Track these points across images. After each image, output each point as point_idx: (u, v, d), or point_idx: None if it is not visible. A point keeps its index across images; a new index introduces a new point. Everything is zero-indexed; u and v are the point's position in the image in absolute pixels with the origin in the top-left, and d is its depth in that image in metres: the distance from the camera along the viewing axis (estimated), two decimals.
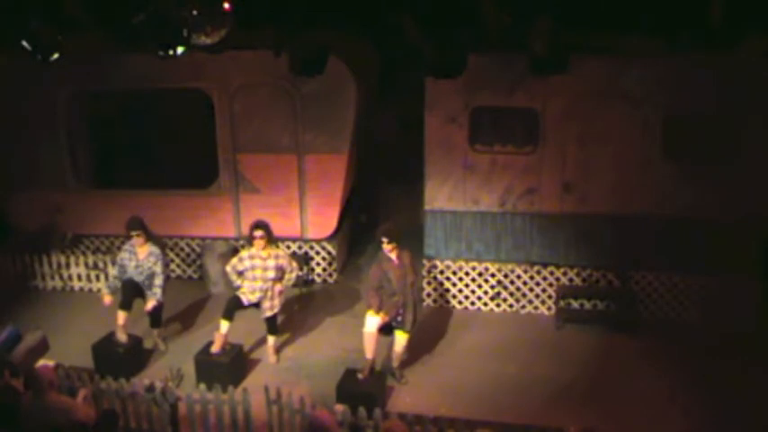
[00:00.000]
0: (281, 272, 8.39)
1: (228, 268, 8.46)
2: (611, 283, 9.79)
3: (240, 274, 8.37)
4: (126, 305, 8.54)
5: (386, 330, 8.10)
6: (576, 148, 9.36)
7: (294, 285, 9.14)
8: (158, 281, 8.59)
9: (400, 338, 8.12)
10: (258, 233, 8.28)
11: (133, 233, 8.57)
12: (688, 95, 8.86)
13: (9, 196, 11.13)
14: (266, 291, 8.35)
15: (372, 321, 7.92)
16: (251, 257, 8.34)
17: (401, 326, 8.03)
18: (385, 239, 7.85)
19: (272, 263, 8.32)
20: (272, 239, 8.43)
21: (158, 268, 8.58)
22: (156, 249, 8.67)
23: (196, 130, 11.38)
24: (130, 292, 8.62)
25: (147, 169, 11.93)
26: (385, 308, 7.90)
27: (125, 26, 5.92)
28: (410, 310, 7.96)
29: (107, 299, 8.78)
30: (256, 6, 6.43)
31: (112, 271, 9.17)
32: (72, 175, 11.00)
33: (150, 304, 8.59)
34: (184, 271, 11.21)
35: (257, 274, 8.32)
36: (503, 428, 7.02)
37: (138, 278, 8.62)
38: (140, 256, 8.60)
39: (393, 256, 7.90)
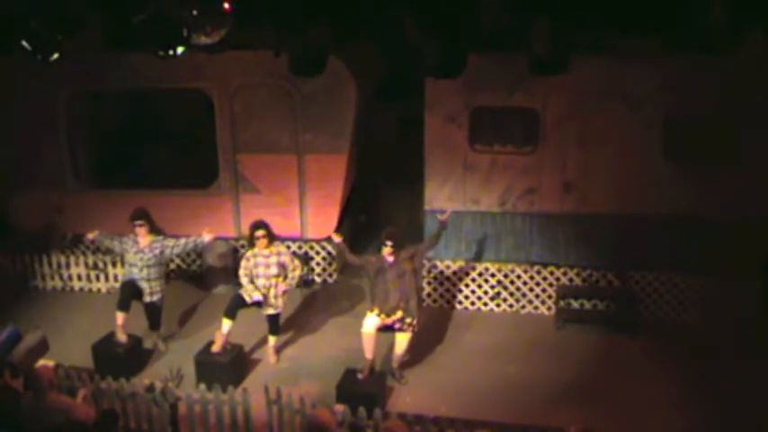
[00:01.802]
0: (283, 269, 8.41)
1: (242, 272, 8.44)
2: (611, 283, 9.79)
3: (252, 275, 8.38)
4: (124, 306, 8.53)
5: (385, 329, 8.11)
6: (576, 148, 9.36)
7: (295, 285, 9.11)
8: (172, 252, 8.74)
9: (401, 340, 8.12)
10: (260, 233, 8.33)
11: (137, 222, 8.56)
12: (688, 95, 8.87)
13: (9, 196, 11.13)
14: (269, 288, 8.36)
15: (370, 322, 7.94)
16: (254, 256, 8.39)
17: (402, 329, 8.04)
18: (389, 243, 7.89)
19: (273, 260, 8.36)
20: (273, 238, 8.46)
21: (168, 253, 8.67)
22: (160, 239, 8.69)
23: (196, 130, 11.39)
24: (128, 292, 8.61)
25: (146, 169, 11.93)
26: (385, 309, 7.92)
27: (125, 26, 5.92)
28: (411, 309, 7.98)
29: (92, 234, 8.74)
30: (256, 6, 6.43)
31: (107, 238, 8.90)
32: (72, 175, 11.00)
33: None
34: (184, 271, 11.19)
35: (260, 272, 8.35)
36: (503, 428, 7.02)
37: (136, 268, 8.56)
38: (142, 244, 8.59)
39: (390, 258, 7.93)
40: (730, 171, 8.98)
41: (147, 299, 8.69)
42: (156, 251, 8.57)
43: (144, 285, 8.62)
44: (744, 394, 7.79)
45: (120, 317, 8.49)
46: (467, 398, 7.91)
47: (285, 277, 8.44)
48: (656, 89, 8.96)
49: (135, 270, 8.60)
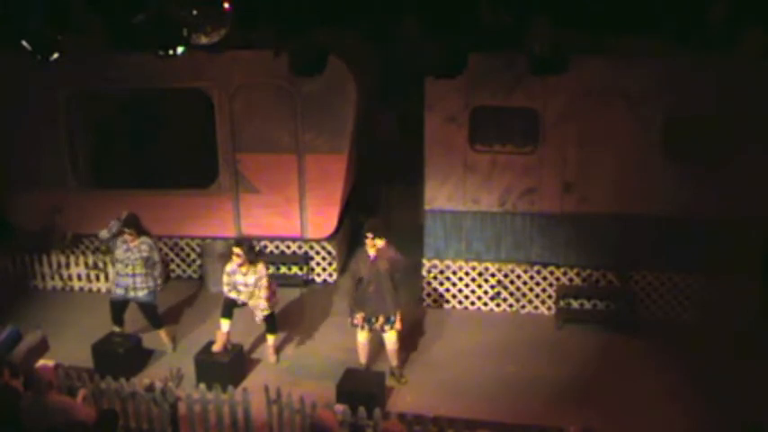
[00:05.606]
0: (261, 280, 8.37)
1: (225, 288, 8.38)
2: (611, 283, 9.78)
3: (234, 287, 8.34)
4: (118, 321, 8.79)
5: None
6: (576, 148, 9.35)
7: (295, 285, 9.08)
8: (157, 270, 8.63)
9: (389, 339, 8.13)
10: (236, 250, 8.21)
11: (127, 230, 8.51)
12: (688, 95, 8.86)
13: (9, 196, 11.13)
14: (253, 296, 8.33)
15: (362, 333, 8.11)
16: (233, 272, 8.31)
17: (384, 329, 8.04)
18: (369, 234, 7.84)
19: (251, 279, 8.27)
20: (251, 259, 8.30)
21: (155, 256, 8.61)
22: (148, 239, 8.63)
23: (196, 130, 11.39)
24: (119, 309, 8.78)
25: (146, 169, 11.93)
26: (366, 311, 7.93)
27: (125, 26, 5.92)
28: (389, 306, 7.92)
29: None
30: (256, 6, 6.43)
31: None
32: (72, 175, 11.00)
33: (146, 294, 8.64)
34: (184, 271, 11.20)
35: (241, 289, 8.31)
36: (503, 428, 7.03)
37: (122, 264, 8.52)
38: (132, 243, 8.54)
39: (372, 252, 7.87)
40: (730, 171, 8.98)
41: (132, 294, 8.61)
42: (145, 253, 8.53)
43: (128, 281, 8.55)
44: (744, 394, 7.79)
45: (117, 329, 8.76)
46: (467, 398, 7.91)
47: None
48: (656, 89, 8.96)
49: (120, 267, 8.57)
